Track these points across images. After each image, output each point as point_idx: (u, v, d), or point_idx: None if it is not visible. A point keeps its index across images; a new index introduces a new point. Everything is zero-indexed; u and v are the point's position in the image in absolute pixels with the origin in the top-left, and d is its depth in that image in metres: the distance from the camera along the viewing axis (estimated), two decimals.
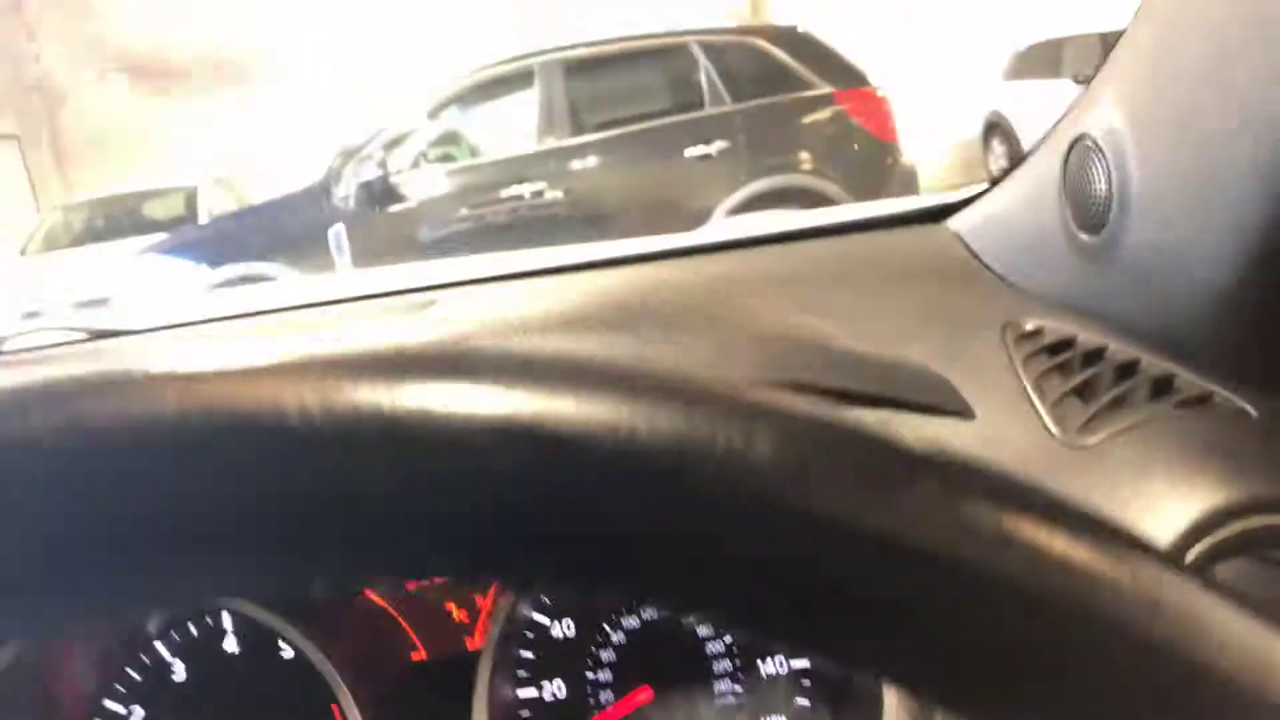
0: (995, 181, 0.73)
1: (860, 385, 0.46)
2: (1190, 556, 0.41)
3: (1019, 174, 0.68)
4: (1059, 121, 0.61)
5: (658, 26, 4.76)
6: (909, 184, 4.67)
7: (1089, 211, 0.54)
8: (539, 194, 4.39)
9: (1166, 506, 0.42)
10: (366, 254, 4.30)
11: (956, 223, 0.76)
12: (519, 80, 4.57)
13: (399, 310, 0.80)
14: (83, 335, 0.87)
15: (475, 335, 0.44)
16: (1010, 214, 0.68)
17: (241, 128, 9.14)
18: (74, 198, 7.58)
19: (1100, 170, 0.52)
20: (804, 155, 4.51)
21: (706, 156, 4.44)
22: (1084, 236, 0.55)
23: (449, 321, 0.76)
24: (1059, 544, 0.15)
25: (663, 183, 4.48)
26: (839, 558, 0.15)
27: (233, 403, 0.16)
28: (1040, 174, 0.62)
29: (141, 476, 0.15)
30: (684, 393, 0.16)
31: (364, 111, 8.34)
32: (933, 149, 8.77)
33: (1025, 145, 8.12)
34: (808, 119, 4.53)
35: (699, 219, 4.40)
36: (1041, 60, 7.84)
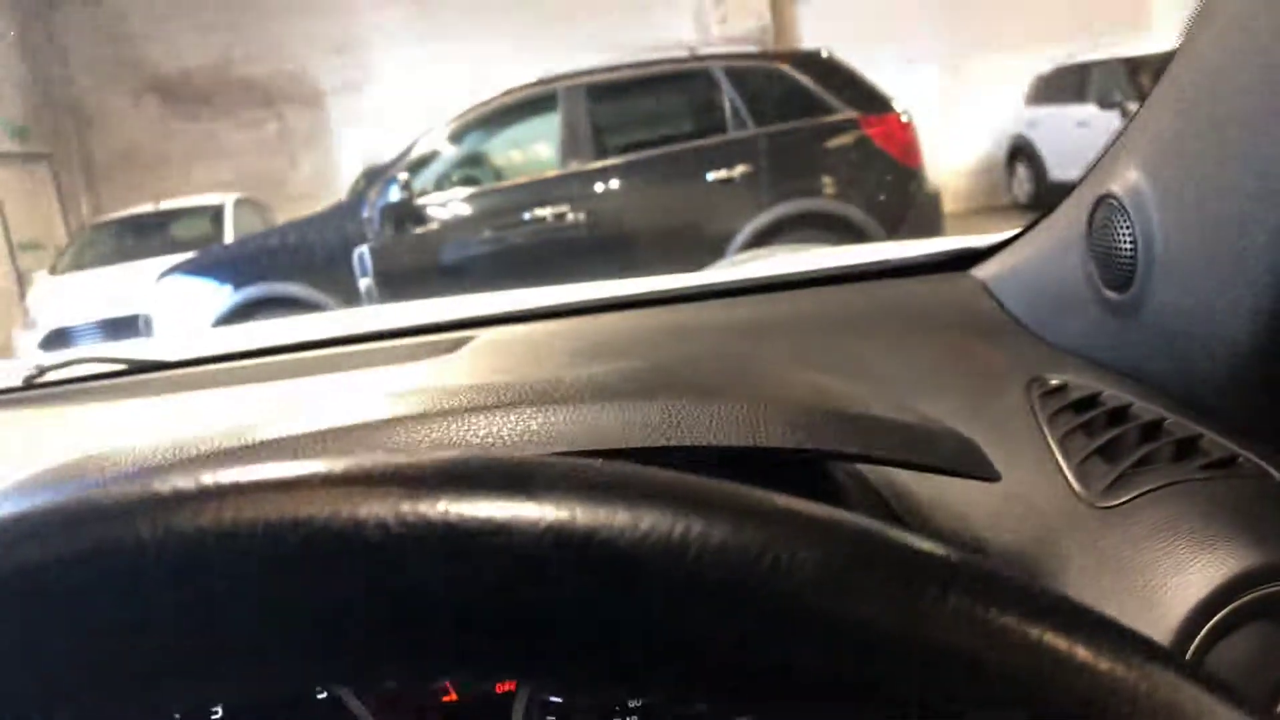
0: (1021, 232, 0.73)
1: (890, 453, 0.46)
2: (1213, 621, 0.41)
3: (1044, 226, 0.68)
4: (1084, 177, 0.61)
5: (680, 50, 4.77)
6: (933, 209, 4.65)
7: (1115, 270, 0.55)
8: (562, 216, 4.41)
9: (1190, 571, 0.42)
10: (390, 275, 4.33)
11: (982, 272, 0.77)
12: (543, 104, 4.60)
13: (428, 351, 0.80)
14: (121, 366, 0.87)
15: (504, 388, 0.45)
16: (1036, 266, 0.68)
17: (268, 149, 9.27)
18: (103, 216, 7.69)
19: (1125, 230, 0.53)
20: (827, 180, 4.50)
21: (729, 180, 4.45)
22: (1110, 294, 0.56)
23: (476, 370, 0.77)
24: (1079, 652, 0.16)
25: (685, 206, 4.49)
26: (874, 661, 0.16)
27: (318, 519, 0.17)
28: (1066, 229, 0.62)
29: (248, 583, 0.16)
30: (732, 507, 0.17)
31: (389, 133, 8.45)
32: (957, 173, 8.75)
33: (1050, 169, 8.09)
34: (831, 144, 4.53)
35: (722, 243, 4.40)
36: (1066, 84, 7.83)
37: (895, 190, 4.55)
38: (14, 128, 8.32)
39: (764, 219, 4.41)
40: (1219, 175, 0.46)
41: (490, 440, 0.41)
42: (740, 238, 4.40)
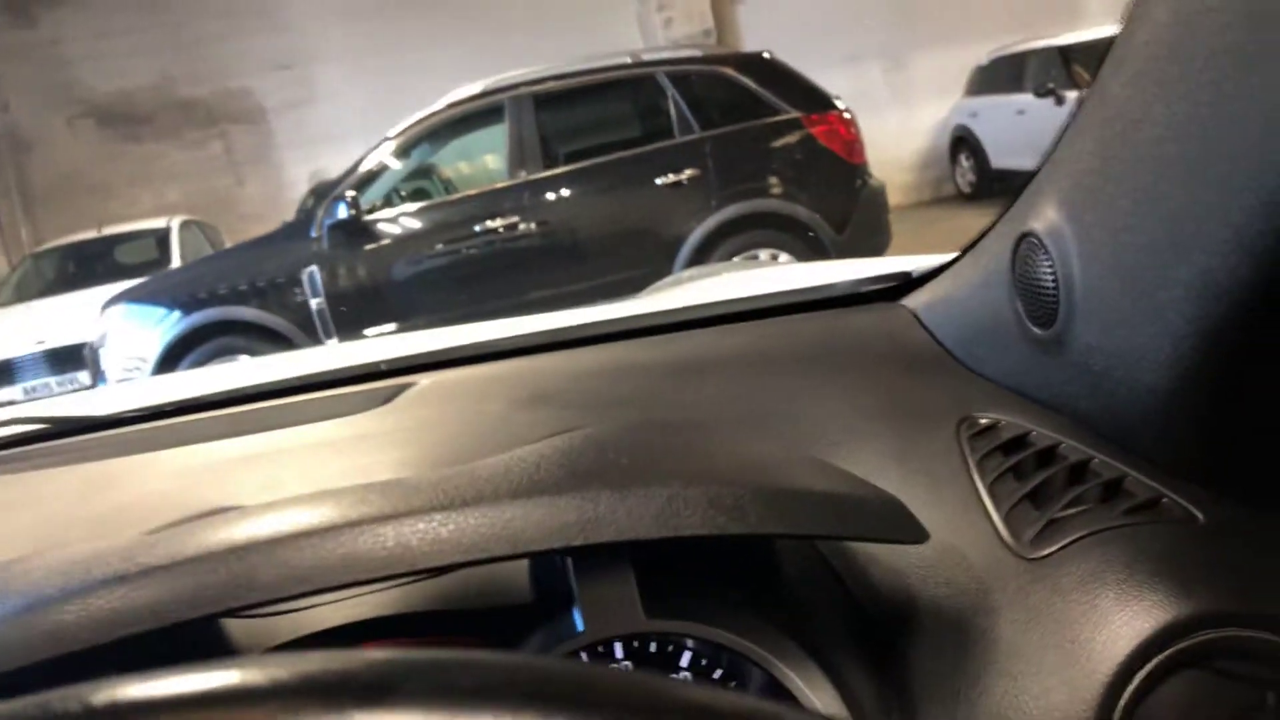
0: (950, 261, 0.74)
1: (817, 529, 0.47)
2: (1141, 674, 0.41)
3: (972, 257, 0.69)
4: (1007, 210, 0.62)
5: (624, 56, 4.80)
6: (879, 204, 4.73)
7: (1038, 306, 0.55)
8: (513, 227, 4.42)
9: (1116, 624, 0.43)
10: (341, 295, 4.30)
11: (913, 301, 0.77)
12: (489, 114, 4.60)
13: (364, 402, 0.80)
14: (48, 426, 0.87)
15: (418, 487, 0.45)
16: (966, 298, 0.69)
17: (214, 169, 9.13)
18: (44, 245, 7.53)
19: (1047, 268, 0.54)
20: (773, 180, 4.56)
21: (678, 184, 4.49)
22: (1035, 330, 0.56)
23: (410, 425, 0.76)
24: None
25: (635, 212, 4.52)
26: None
27: None
28: (992, 263, 0.63)
29: None
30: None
31: (336, 149, 8.36)
32: (902, 167, 8.88)
33: (992, 158, 8.23)
34: (776, 144, 4.59)
35: (673, 246, 4.44)
36: (1003, 74, 7.99)
37: (841, 187, 4.62)
38: None
39: (713, 221, 4.45)
40: (1134, 222, 0.46)
41: (401, 551, 0.40)
42: (691, 240, 4.44)
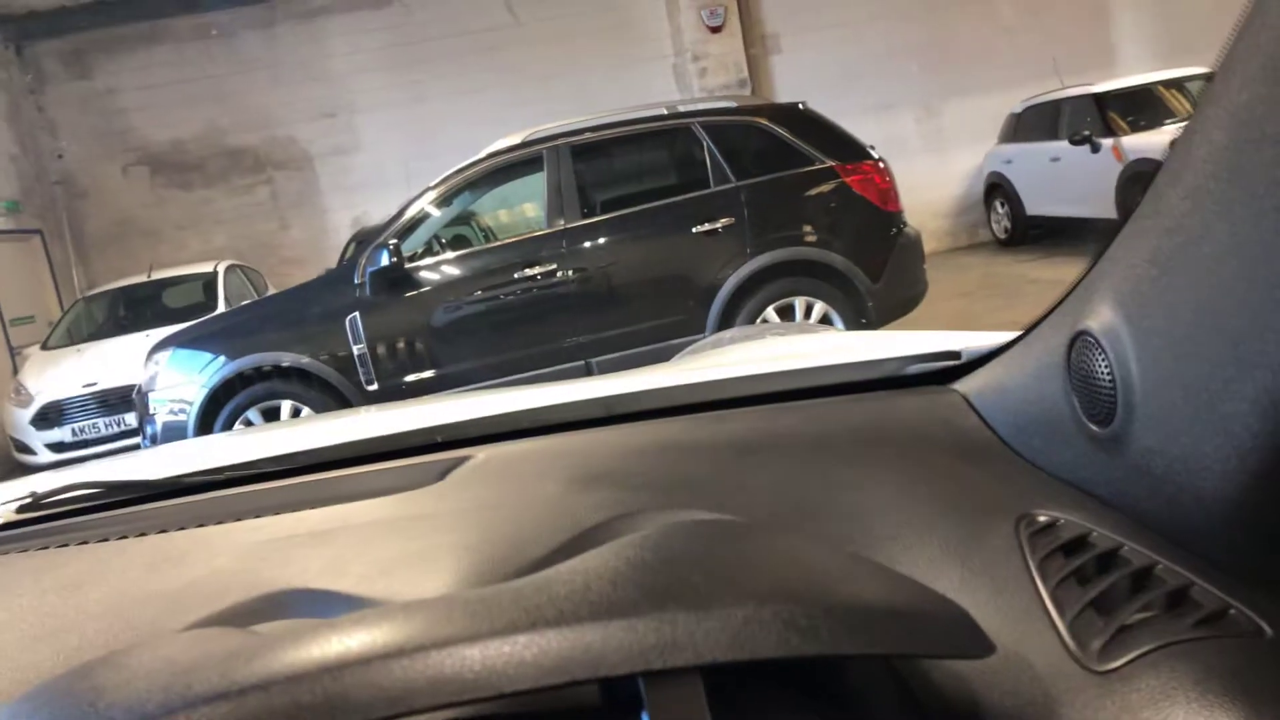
0: (1003, 347, 0.73)
1: (885, 647, 0.46)
2: None
3: (1026, 345, 0.68)
4: (1062, 300, 0.62)
5: (660, 107, 4.89)
6: (915, 251, 4.74)
7: (1095, 404, 0.55)
8: (551, 274, 4.48)
9: None
10: (382, 340, 4.38)
11: (964, 386, 0.77)
12: (528, 164, 4.69)
13: (418, 477, 0.81)
14: (110, 491, 0.89)
15: (482, 601, 0.45)
16: (1020, 388, 0.68)
17: (259, 214, 9.37)
18: (95, 289, 7.74)
19: (1103, 366, 0.54)
20: (808, 228, 4.59)
21: (713, 232, 4.53)
22: (1093, 427, 0.56)
23: (466, 506, 0.77)
24: None
25: (671, 260, 4.57)
26: None
27: None
28: (1047, 354, 0.62)
29: None
30: None
31: (376, 196, 8.55)
32: (937, 214, 8.88)
33: (1026, 204, 8.20)
34: (811, 193, 4.62)
35: (708, 294, 4.47)
36: (1037, 121, 7.99)
37: (876, 235, 4.63)
38: (5, 203, 8.40)
39: (748, 269, 4.48)
40: (1195, 334, 0.46)
41: (488, 675, 0.41)
42: (726, 287, 4.47)
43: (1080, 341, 0.57)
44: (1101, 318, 0.54)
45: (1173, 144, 0.50)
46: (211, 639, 0.49)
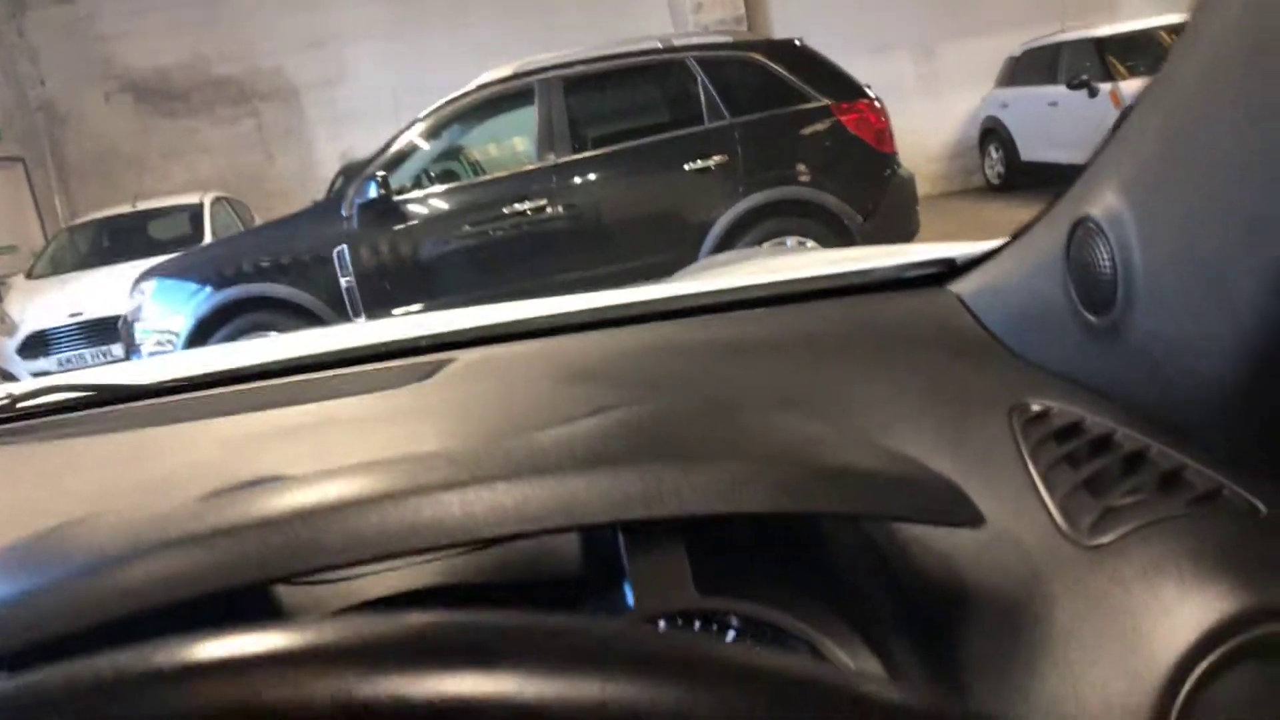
0: (998, 248, 0.73)
1: (874, 508, 0.46)
2: (1204, 665, 0.41)
3: (1022, 244, 0.68)
4: (1062, 195, 0.61)
5: (654, 41, 4.79)
6: (908, 193, 4.70)
7: (1094, 293, 0.55)
8: (540, 210, 4.43)
9: (1179, 614, 0.42)
10: (371, 273, 4.35)
11: (959, 287, 0.76)
12: (519, 97, 4.61)
13: (405, 376, 0.80)
14: (91, 394, 0.88)
15: (475, 457, 0.45)
16: (1014, 284, 0.68)
17: (245, 146, 9.21)
18: (79, 219, 7.63)
19: (1104, 253, 0.53)
20: (802, 167, 4.54)
21: (705, 170, 4.49)
22: (1090, 316, 0.55)
23: (453, 398, 0.76)
24: None
25: (662, 197, 4.52)
26: None
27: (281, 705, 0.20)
28: (1044, 247, 0.62)
29: None
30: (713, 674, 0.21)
31: (366, 127, 8.40)
32: (931, 157, 8.81)
33: (1021, 150, 8.13)
34: (805, 131, 4.57)
35: (700, 232, 4.44)
36: (1036, 65, 7.88)
37: (869, 176, 4.59)
38: None
39: (740, 207, 4.45)
40: (1201, 210, 0.45)
41: (466, 520, 0.40)
42: (718, 226, 4.44)
43: (1081, 229, 0.56)
44: (1104, 204, 0.53)
45: (1185, 23, 0.48)
46: (182, 501, 0.48)
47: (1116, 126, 0.54)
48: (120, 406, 0.87)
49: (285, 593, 0.56)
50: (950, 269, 0.80)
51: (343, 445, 0.72)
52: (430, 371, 0.80)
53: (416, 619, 0.22)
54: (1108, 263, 0.53)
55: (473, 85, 4.60)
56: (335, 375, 0.85)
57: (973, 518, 0.48)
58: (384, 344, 0.90)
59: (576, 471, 0.42)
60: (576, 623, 0.23)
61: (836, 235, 4.51)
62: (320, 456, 0.70)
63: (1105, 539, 0.47)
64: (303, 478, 0.45)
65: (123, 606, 0.39)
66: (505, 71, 4.62)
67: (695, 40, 4.89)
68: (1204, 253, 0.46)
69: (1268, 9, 0.41)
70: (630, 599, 0.49)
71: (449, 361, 0.82)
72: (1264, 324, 0.43)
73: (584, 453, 0.44)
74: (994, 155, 8.58)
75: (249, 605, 0.49)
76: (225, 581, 0.39)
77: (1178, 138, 0.48)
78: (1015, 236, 0.69)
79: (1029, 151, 7.97)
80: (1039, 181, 8.02)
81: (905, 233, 4.69)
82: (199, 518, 0.42)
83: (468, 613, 0.23)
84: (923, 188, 5.19)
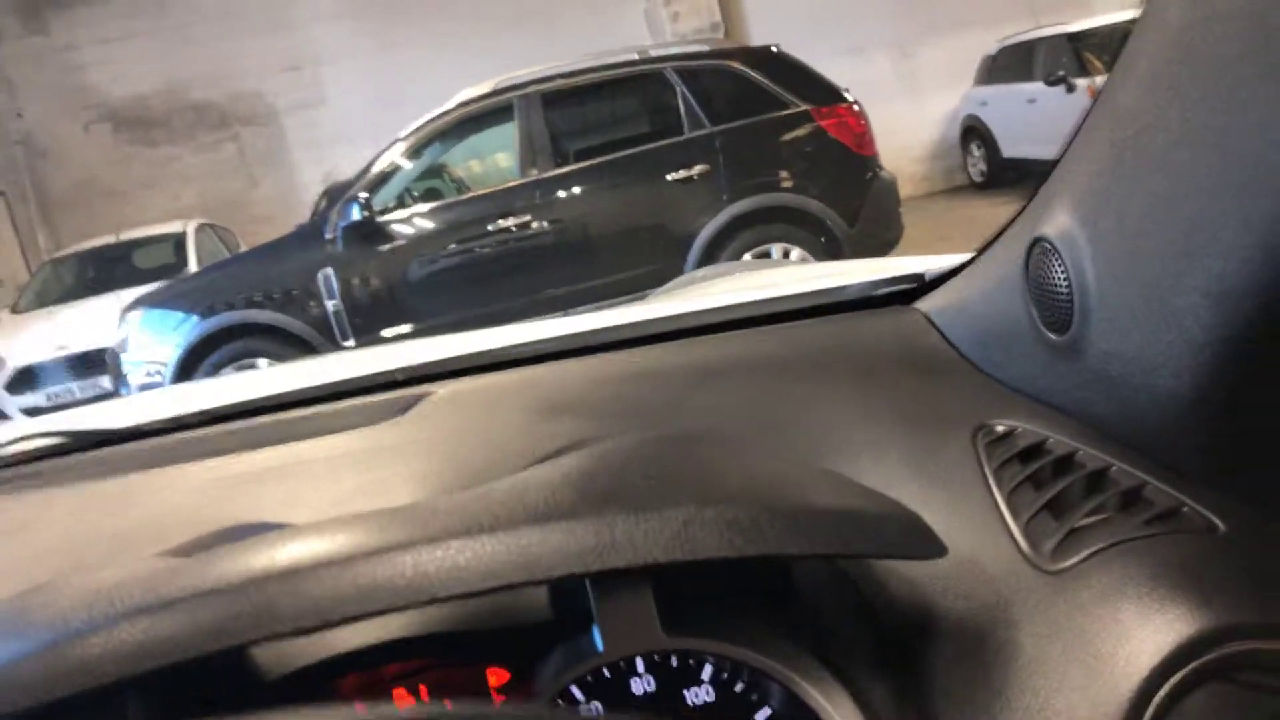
0: (963, 265, 0.73)
1: (834, 548, 0.46)
2: (1165, 688, 0.41)
3: (985, 261, 0.68)
4: (1020, 212, 0.61)
5: (631, 52, 4.81)
6: (890, 195, 4.73)
7: (1053, 312, 0.55)
8: (525, 225, 4.44)
9: (1140, 637, 0.42)
10: (357, 295, 4.34)
11: (926, 305, 0.77)
12: (499, 113, 4.62)
13: (381, 412, 0.80)
14: (70, 440, 0.88)
15: (433, 511, 0.45)
16: (979, 302, 0.68)
17: (227, 171, 9.19)
18: (63, 250, 7.60)
19: (1060, 273, 0.53)
20: (784, 173, 4.57)
21: (688, 180, 4.50)
22: (1050, 335, 0.56)
23: (426, 437, 0.76)
24: None
25: (646, 208, 4.54)
26: None
27: None
28: (1005, 266, 0.62)
29: None
30: None
31: (347, 148, 8.41)
32: (913, 158, 8.85)
33: (1002, 147, 8.18)
34: (786, 137, 4.59)
35: (684, 242, 4.45)
36: (1013, 63, 7.94)
37: (851, 180, 4.62)
38: None
39: (724, 216, 4.47)
40: (1149, 228, 0.45)
41: (420, 580, 0.40)
42: (702, 235, 4.45)
43: (1038, 249, 0.56)
44: (1058, 223, 0.54)
45: (1128, 36, 0.48)
46: (143, 563, 0.48)
47: (1071, 137, 0.54)
48: (95, 452, 0.86)
49: (254, 650, 0.55)
50: (920, 285, 0.81)
51: (313, 489, 0.71)
52: (406, 406, 0.80)
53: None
54: (1063, 282, 0.53)
55: (452, 103, 4.61)
56: (313, 412, 0.85)
57: (935, 550, 0.48)
58: (361, 378, 0.90)
59: (530, 525, 0.42)
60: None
61: (821, 241, 4.53)
62: (290, 502, 0.70)
63: (1067, 563, 0.47)
64: (260, 539, 0.45)
65: (80, 683, 0.38)
66: (484, 88, 4.63)
67: (673, 50, 4.92)
68: (1151, 269, 0.46)
69: (1205, 27, 0.41)
70: (599, 644, 0.50)
71: (426, 395, 0.82)
72: (1212, 339, 0.43)
73: (537, 505, 0.44)
74: (976, 153, 8.64)
75: (214, 665, 0.49)
76: (179, 655, 0.39)
77: (1122, 155, 0.48)
78: (979, 252, 0.70)
79: (1010, 148, 8.03)
80: (1023, 177, 8.08)
81: (890, 236, 4.71)
82: (155, 586, 0.41)
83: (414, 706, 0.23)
84: (906, 188, 5.23)
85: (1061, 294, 0.53)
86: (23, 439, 0.89)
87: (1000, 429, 0.59)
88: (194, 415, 0.90)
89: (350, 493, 0.69)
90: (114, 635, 0.39)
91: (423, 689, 0.56)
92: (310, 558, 0.41)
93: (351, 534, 0.43)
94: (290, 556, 0.41)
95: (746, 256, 4.50)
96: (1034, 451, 0.55)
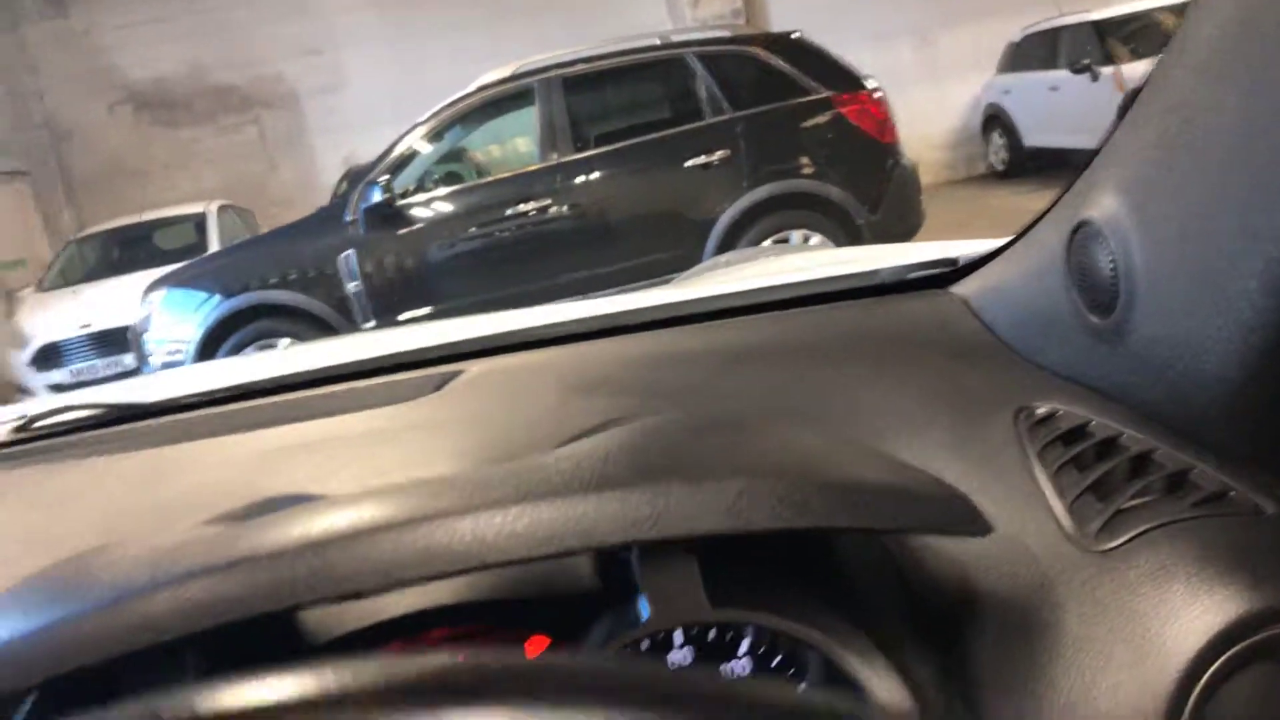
0: (1000, 248, 0.73)
1: (880, 522, 0.46)
2: (1213, 668, 0.41)
3: (1024, 245, 0.68)
4: (1061, 196, 0.61)
5: (653, 38, 4.79)
6: (911, 183, 4.70)
7: (1096, 295, 0.55)
8: (545, 210, 4.44)
9: (1187, 618, 0.42)
10: (377, 278, 4.36)
11: (962, 289, 0.77)
12: (519, 98, 4.62)
13: (414, 389, 0.80)
14: (104, 412, 0.89)
15: (484, 481, 0.45)
16: (1018, 286, 0.68)
17: (248, 154, 9.23)
18: (86, 230, 7.66)
19: (1105, 256, 0.53)
20: (804, 160, 4.54)
21: (708, 165, 4.49)
22: (1093, 319, 0.56)
23: (462, 413, 0.76)
24: None
25: (665, 194, 4.53)
26: None
27: None
28: (1046, 250, 0.62)
29: None
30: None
31: (368, 132, 8.42)
32: (934, 146, 8.78)
33: (1025, 136, 8.09)
34: (807, 124, 4.56)
35: (703, 228, 4.44)
36: (1036, 50, 7.85)
37: (873, 167, 4.59)
38: None
39: (744, 202, 4.45)
40: (1201, 212, 0.45)
41: (477, 546, 0.41)
42: (722, 221, 4.44)
43: (1081, 233, 0.56)
44: (1103, 207, 0.54)
45: (1180, 22, 0.48)
46: (197, 529, 0.49)
47: (1117, 122, 0.54)
48: (133, 425, 0.87)
49: (304, 615, 0.56)
50: (953, 269, 0.80)
51: (351, 463, 0.72)
52: (439, 384, 0.81)
53: (404, 664, 0.24)
54: (1109, 265, 0.53)
55: (473, 87, 4.61)
56: (347, 388, 0.86)
57: (980, 527, 0.48)
58: (393, 356, 0.91)
59: (586, 493, 0.43)
60: (551, 662, 0.24)
61: (842, 229, 4.50)
62: (328, 475, 0.70)
63: (1113, 543, 0.47)
64: (315, 504, 0.46)
65: (145, 638, 0.39)
66: (505, 72, 4.63)
67: (694, 36, 4.89)
68: (1204, 254, 0.46)
69: (1260, 15, 0.41)
70: (645, 613, 0.50)
71: (458, 373, 0.82)
72: (1265, 324, 0.43)
73: (592, 473, 0.44)
74: (997, 142, 8.56)
75: (266, 628, 0.50)
76: (241, 613, 0.40)
77: (1174, 141, 0.48)
78: (1018, 237, 0.69)
79: (1032, 137, 7.95)
80: (1044, 167, 8.01)
81: (910, 224, 4.68)
82: (219, 547, 0.42)
83: (468, 652, 0.24)
84: (927, 176, 5.18)
85: (1106, 277, 0.53)
86: (58, 411, 0.90)
87: (1042, 411, 0.58)
88: (226, 390, 0.91)
89: (387, 467, 0.70)
90: (178, 593, 0.40)
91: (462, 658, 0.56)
92: (369, 522, 0.42)
93: (407, 500, 0.43)
94: (349, 520, 0.42)
95: (766, 243, 4.49)
96: (1077, 434, 0.55)
